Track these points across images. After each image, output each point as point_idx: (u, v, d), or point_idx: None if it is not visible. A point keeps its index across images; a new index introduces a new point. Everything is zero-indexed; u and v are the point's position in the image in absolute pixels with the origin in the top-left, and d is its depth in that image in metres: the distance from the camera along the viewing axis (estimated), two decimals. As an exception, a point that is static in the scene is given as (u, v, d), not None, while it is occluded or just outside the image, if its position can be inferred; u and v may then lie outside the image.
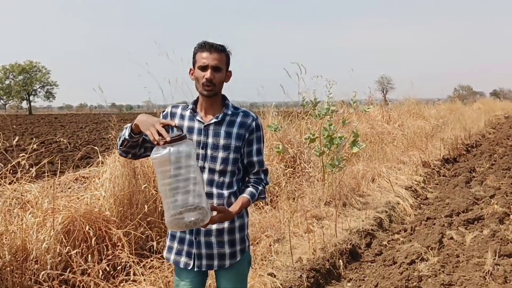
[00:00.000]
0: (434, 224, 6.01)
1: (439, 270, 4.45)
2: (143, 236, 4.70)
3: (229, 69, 2.51)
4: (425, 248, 4.96)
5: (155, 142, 2.10)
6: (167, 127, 2.18)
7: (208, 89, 2.42)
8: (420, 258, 4.73)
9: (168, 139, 2.08)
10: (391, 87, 72.85)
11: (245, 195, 2.48)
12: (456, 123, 17.20)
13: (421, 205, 7.42)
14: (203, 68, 2.40)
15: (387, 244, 5.50)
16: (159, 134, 2.11)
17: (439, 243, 5.15)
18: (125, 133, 2.36)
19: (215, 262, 2.50)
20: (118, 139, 2.46)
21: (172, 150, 2.07)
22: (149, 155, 2.52)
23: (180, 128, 2.22)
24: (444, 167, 10.55)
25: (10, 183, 4.55)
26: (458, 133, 14.64)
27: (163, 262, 4.32)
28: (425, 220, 6.26)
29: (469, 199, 7.10)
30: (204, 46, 2.41)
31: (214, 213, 2.28)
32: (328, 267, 4.64)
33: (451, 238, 5.39)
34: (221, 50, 2.42)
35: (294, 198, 6.47)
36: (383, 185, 7.86)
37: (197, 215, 2.13)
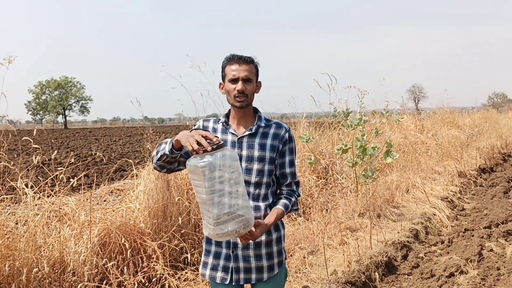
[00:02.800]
0: (473, 235, 5.86)
1: (480, 283, 4.33)
2: (177, 248, 4.72)
3: (259, 80, 2.52)
4: (464, 260, 4.83)
5: (194, 152, 2.09)
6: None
7: (241, 100, 2.42)
8: (459, 270, 4.61)
9: (209, 148, 2.07)
10: (423, 96, 72.06)
11: (279, 207, 2.46)
12: (491, 132, 16.82)
13: (458, 216, 7.24)
14: (234, 81, 2.41)
15: (424, 257, 5.38)
16: (199, 144, 2.10)
17: (478, 255, 5.01)
18: (165, 148, 2.35)
19: (253, 276, 2.48)
20: (155, 153, 2.45)
21: (217, 157, 2.06)
22: (181, 169, 2.53)
23: (217, 138, 2.19)
24: (480, 177, 10.31)
25: (48, 196, 4.66)
26: (494, 142, 14.30)
27: (198, 274, 4.34)
28: (463, 232, 6.11)
29: (509, 209, 6.90)
30: (233, 59, 2.43)
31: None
32: (363, 280, 4.56)
33: (491, 250, 5.25)
34: (250, 62, 2.44)
35: (327, 210, 6.40)
36: (418, 196, 7.72)
37: (240, 222, 2.13)
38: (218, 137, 2.17)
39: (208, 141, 2.11)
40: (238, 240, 2.41)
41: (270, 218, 2.39)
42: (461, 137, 14.14)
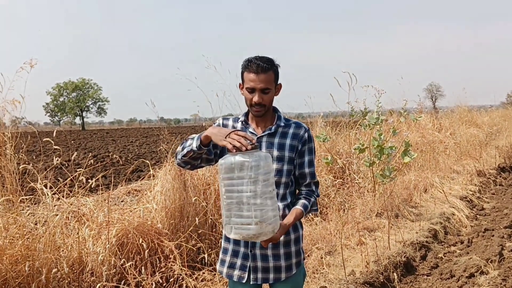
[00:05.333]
0: (493, 235, 5.77)
1: (501, 284, 4.25)
2: (194, 249, 4.73)
3: (279, 83, 2.47)
4: (484, 260, 4.76)
5: (234, 150, 2.08)
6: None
7: (257, 110, 2.40)
8: (479, 271, 4.54)
9: (249, 147, 2.06)
10: (440, 95, 71.42)
11: (298, 207, 2.43)
12: (511, 130, 16.58)
13: (478, 216, 7.14)
14: (251, 91, 2.37)
15: (443, 257, 5.32)
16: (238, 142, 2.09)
17: (499, 255, 4.93)
18: (193, 144, 2.34)
19: (271, 275, 2.47)
20: (180, 149, 2.44)
21: (260, 156, 2.07)
22: (203, 166, 2.54)
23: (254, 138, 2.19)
24: (500, 176, 10.17)
25: (66, 197, 4.70)
26: (514, 140, 14.09)
27: (215, 274, 4.34)
28: (482, 232, 6.02)
29: (530, 209, 6.78)
30: (251, 67, 2.35)
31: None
32: (382, 280, 4.52)
33: (512, 250, 5.16)
34: (268, 69, 2.35)
35: (344, 210, 6.36)
36: (437, 195, 7.63)
37: (273, 223, 2.13)
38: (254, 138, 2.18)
39: (247, 140, 2.12)
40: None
41: (289, 219, 2.37)
42: (480, 136, 13.97)
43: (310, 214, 5.90)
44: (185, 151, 2.39)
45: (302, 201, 2.47)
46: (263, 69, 2.33)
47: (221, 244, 2.62)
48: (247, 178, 2.06)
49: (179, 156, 2.44)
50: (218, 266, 2.61)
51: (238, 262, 2.49)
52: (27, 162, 4.28)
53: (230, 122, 2.56)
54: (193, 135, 2.42)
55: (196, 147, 2.32)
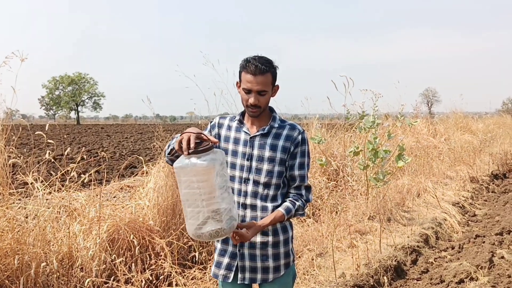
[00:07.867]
0: (484, 242, 5.79)
1: (490, 290, 4.27)
2: (185, 247, 4.72)
3: (276, 84, 2.44)
4: (475, 267, 4.77)
5: (179, 151, 2.08)
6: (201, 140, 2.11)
7: (253, 111, 2.38)
8: (469, 277, 4.55)
9: (185, 152, 2.03)
10: (436, 100, 71.71)
11: (280, 209, 2.40)
12: (505, 138, 16.64)
13: (469, 222, 7.16)
14: (248, 91, 2.36)
15: (433, 262, 5.33)
16: (188, 144, 2.06)
17: (489, 262, 4.94)
18: (175, 143, 2.34)
19: (259, 276, 2.46)
20: (167, 147, 2.44)
21: (191, 162, 2.03)
22: None
23: (211, 141, 2.11)
24: (493, 183, 10.20)
25: (58, 191, 4.68)
26: (507, 148, 14.12)
27: (205, 273, 4.33)
28: (473, 238, 6.04)
29: (521, 217, 6.80)
30: (249, 67, 2.32)
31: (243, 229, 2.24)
32: (372, 283, 4.52)
33: (502, 257, 5.17)
34: (266, 71, 2.32)
35: (336, 212, 6.36)
36: (429, 200, 7.65)
37: (214, 226, 2.08)
38: (212, 140, 2.10)
39: (197, 141, 2.07)
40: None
41: (265, 220, 2.35)
42: (474, 142, 14.02)
43: (298, 217, 5.88)
44: (169, 149, 2.38)
45: (287, 204, 2.43)
46: (261, 71, 2.31)
47: (212, 243, 2.62)
48: (182, 182, 2.07)
49: (166, 154, 2.44)
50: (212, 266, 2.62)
51: (225, 261, 2.48)
52: (18, 155, 4.26)
53: (226, 121, 2.55)
54: (178, 135, 2.42)
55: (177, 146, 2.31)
